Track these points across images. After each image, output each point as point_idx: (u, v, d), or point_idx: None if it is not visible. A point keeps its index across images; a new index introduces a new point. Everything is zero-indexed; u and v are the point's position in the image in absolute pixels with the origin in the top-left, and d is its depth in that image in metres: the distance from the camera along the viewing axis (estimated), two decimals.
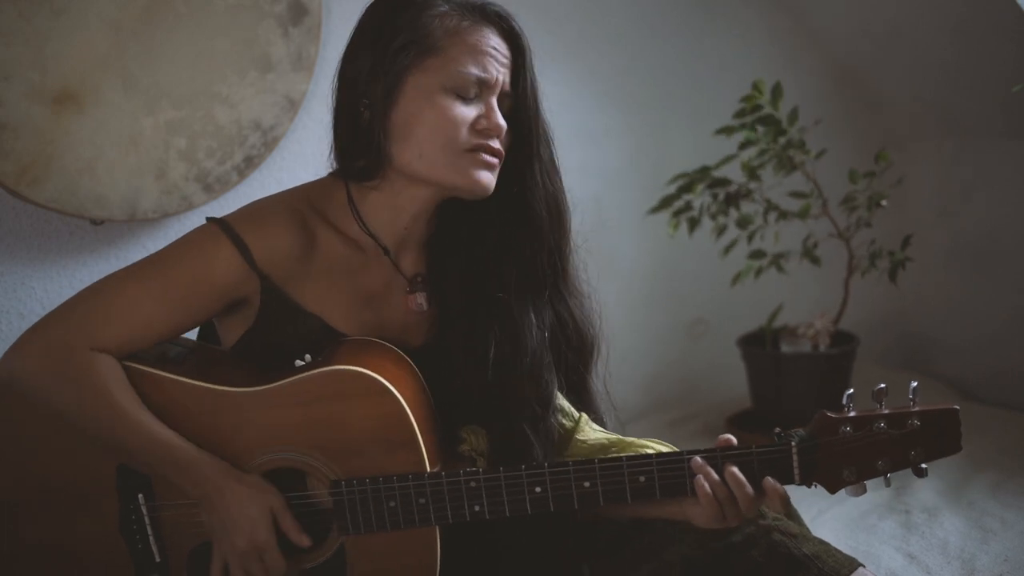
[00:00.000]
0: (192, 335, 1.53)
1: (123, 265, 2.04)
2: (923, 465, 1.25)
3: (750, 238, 2.53)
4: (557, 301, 1.45)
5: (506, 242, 1.42)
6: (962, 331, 2.91)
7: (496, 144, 1.35)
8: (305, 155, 2.23)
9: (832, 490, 1.27)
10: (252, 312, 1.37)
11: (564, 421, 1.48)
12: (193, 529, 1.34)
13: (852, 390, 1.27)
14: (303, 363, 1.35)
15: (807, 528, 1.43)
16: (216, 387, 1.33)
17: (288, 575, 1.31)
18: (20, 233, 1.98)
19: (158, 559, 1.35)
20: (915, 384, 1.26)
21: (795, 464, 1.26)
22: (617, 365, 1.54)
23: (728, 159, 2.47)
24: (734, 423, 2.57)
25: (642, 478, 1.28)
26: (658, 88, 2.78)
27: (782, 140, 2.42)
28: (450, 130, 1.33)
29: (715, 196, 2.51)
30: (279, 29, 2.04)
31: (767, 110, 2.41)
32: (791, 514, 1.43)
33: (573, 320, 1.46)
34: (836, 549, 1.34)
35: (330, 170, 1.45)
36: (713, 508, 1.27)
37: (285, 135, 2.11)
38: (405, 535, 1.32)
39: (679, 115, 2.79)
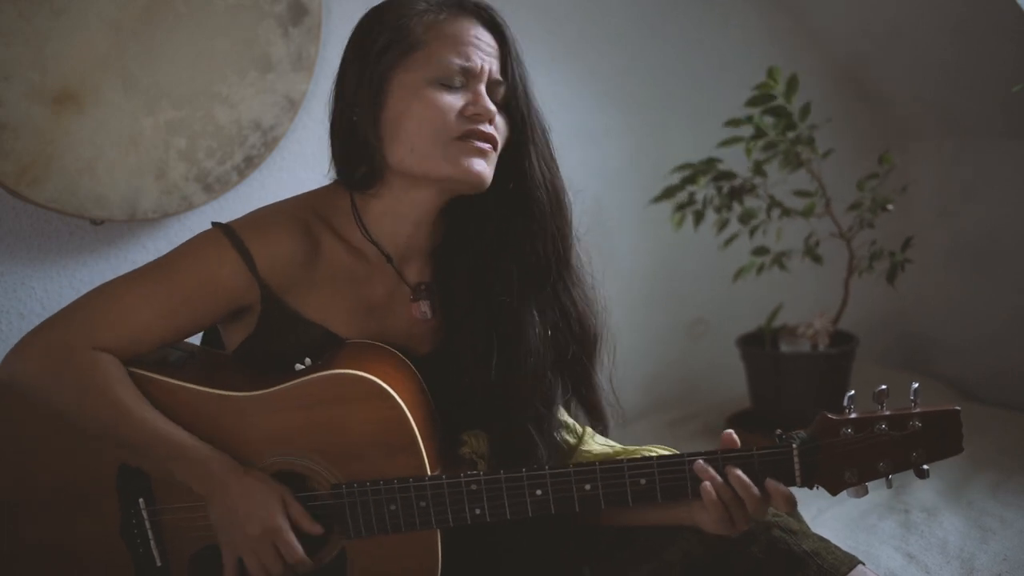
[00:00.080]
0: (195, 339, 1.53)
1: (123, 265, 2.05)
2: (925, 466, 1.25)
3: (752, 233, 2.53)
4: (561, 291, 1.43)
5: (508, 235, 1.41)
6: (962, 331, 2.91)
7: (488, 128, 1.33)
8: (305, 155, 2.23)
9: (834, 492, 1.27)
10: (253, 319, 1.37)
11: (568, 437, 1.48)
12: (194, 533, 1.34)
13: (853, 391, 1.27)
14: (303, 367, 1.35)
15: (807, 525, 1.42)
16: (217, 391, 1.33)
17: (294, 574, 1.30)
18: (20, 233, 1.98)
19: (159, 563, 1.35)
20: (916, 385, 1.26)
21: (796, 466, 1.26)
22: (617, 365, 1.53)
23: (734, 140, 2.44)
24: (734, 423, 2.56)
25: (643, 481, 1.28)
26: (658, 88, 2.77)
27: (791, 134, 2.42)
28: (437, 119, 1.31)
29: (719, 189, 2.50)
30: (279, 29, 2.03)
31: (779, 101, 2.40)
32: (792, 512, 1.43)
33: (576, 309, 1.44)
34: (836, 546, 1.34)
35: (331, 177, 1.45)
36: (719, 512, 1.26)
37: (285, 135, 2.10)
38: (406, 538, 1.31)
39: (679, 115, 2.79)
